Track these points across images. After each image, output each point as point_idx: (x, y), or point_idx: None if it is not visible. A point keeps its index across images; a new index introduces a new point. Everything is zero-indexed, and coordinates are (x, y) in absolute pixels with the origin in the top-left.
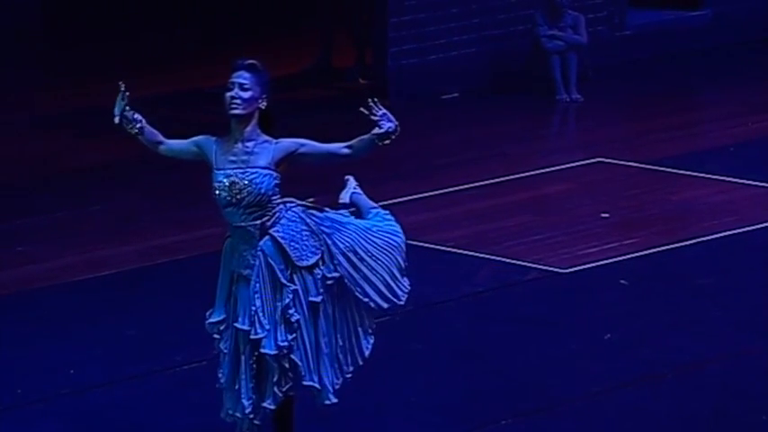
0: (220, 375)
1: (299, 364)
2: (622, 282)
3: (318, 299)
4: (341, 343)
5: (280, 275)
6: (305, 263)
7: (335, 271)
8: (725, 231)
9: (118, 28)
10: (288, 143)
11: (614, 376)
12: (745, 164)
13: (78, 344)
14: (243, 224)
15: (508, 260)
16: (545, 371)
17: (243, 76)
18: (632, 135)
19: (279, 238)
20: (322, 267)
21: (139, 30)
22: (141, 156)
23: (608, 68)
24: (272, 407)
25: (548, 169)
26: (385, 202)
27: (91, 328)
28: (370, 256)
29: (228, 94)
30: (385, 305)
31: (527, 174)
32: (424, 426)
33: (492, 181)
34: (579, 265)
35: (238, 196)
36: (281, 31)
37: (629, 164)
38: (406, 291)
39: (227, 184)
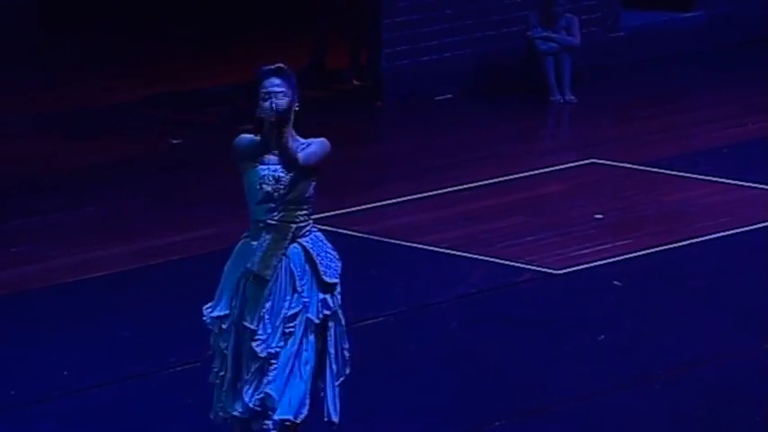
0: (217, 373)
1: (273, 372)
2: (616, 283)
3: (316, 320)
4: (332, 351)
5: (298, 283)
6: (328, 279)
7: (334, 306)
8: (719, 232)
9: (117, 28)
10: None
11: (608, 377)
12: (739, 165)
13: (73, 345)
14: (276, 221)
15: (502, 261)
16: (539, 372)
17: (275, 84)
18: (626, 136)
19: (309, 249)
20: (329, 296)
21: (138, 30)
22: (136, 156)
23: (602, 70)
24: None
25: (541, 170)
26: (379, 203)
27: (85, 329)
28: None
29: (265, 104)
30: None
31: (521, 175)
32: (417, 427)
33: (486, 182)
34: (573, 266)
35: (282, 191)
36: (276, 31)
37: (623, 165)
38: None
39: (272, 178)
